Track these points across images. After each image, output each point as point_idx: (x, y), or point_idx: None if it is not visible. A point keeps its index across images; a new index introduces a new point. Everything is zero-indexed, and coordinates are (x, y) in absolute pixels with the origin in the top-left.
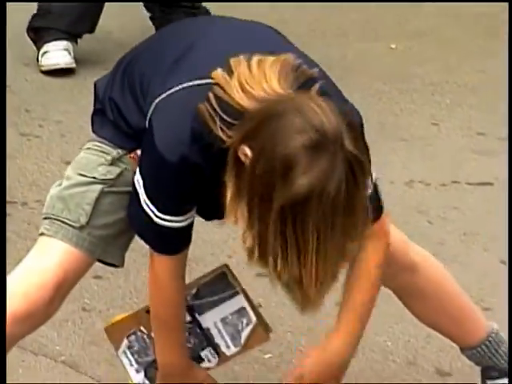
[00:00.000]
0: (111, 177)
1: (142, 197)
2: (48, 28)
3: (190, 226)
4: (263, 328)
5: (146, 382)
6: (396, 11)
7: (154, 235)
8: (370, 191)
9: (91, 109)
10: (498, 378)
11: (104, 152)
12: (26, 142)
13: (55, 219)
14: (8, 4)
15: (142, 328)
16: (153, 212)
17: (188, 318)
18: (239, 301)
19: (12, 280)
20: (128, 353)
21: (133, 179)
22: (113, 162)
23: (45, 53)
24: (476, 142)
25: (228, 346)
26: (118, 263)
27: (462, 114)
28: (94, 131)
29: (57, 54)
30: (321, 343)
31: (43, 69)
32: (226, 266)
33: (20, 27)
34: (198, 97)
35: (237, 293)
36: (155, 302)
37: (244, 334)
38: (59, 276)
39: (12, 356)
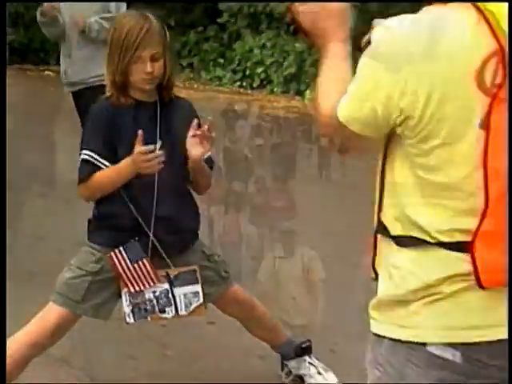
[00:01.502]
0: (96, 269)
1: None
2: None
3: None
4: (204, 306)
5: (131, 314)
6: None
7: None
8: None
9: None
10: (292, 358)
11: (93, 254)
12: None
13: (62, 295)
14: None
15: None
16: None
17: (167, 287)
18: (197, 288)
19: (30, 324)
20: (127, 294)
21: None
22: (97, 261)
23: None
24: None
25: (181, 310)
26: (104, 319)
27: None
28: (88, 238)
29: None
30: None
31: None
32: (197, 267)
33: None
34: None
35: (198, 283)
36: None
37: (193, 306)
38: (58, 320)
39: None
